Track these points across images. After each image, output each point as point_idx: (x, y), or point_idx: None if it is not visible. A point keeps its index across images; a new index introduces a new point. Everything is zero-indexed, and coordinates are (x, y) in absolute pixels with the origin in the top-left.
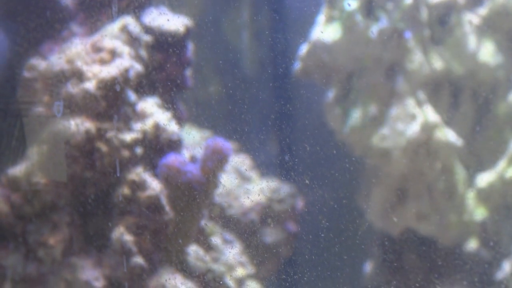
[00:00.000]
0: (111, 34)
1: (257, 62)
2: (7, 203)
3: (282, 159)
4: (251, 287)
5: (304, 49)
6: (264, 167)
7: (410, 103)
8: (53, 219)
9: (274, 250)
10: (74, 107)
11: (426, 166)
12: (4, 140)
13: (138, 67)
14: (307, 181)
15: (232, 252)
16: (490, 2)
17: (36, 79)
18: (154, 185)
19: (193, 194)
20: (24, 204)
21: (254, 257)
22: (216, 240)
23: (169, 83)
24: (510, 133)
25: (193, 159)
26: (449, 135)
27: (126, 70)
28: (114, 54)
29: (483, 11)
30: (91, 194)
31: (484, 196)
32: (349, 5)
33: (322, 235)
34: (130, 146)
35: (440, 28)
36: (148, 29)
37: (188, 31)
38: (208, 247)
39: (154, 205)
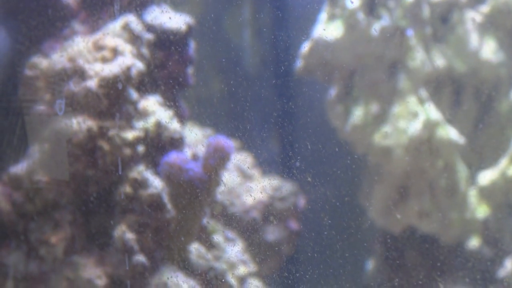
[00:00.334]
0: (113, 32)
1: (259, 60)
2: (8, 201)
3: (284, 157)
4: (253, 285)
5: (306, 47)
6: (266, 165)
7: (412, 101)
8: (55, 218)
9: (276, 248)
10: (76, 105)
11: (428, 164)
12: (5, 138)
13: (140, 65)
14: (309, 179)
15: (234, 250)
16: (492, 0)
17: (37, 77)
18: (156, 183)
19: (195, 192)
20: (25, 202)
21: (256, 255)
22: (218, 238)
23: (171, 81)
24: None
25: (195, 157)
26: (451, 133)
27: (128, 68)
28: (116, 52)
29: (485, 8)
30: (93, 192)
31: (486, 194)
32: (352, 2)
33: (324, 233)
34: (132, 144)
35: (442, 26)
36: (150, 27)
37: (190, 29)
38: (210, 245)
39: (156, 203)
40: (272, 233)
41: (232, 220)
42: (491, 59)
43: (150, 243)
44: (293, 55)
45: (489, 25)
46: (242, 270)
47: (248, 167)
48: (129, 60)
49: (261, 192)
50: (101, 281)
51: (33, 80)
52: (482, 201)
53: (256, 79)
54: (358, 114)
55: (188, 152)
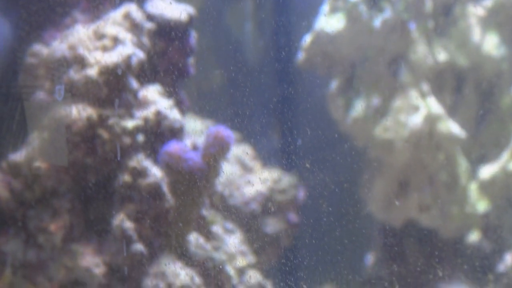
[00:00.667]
0: (113, 21)
1: (260, 51)
2: (7, 188)
3: (284, 150)
4: (251, 276)
5: (307, 39)
6: (266, 157)
7: (413, 94)
8: (53, 205)
9: (275, 240)
10: (76, 93)
11: (428, 158)
12: (5, 125)
13: (140, 54)
14: (307, 165)
15: (233, 241)
16: None
17: (38, 65)
18: (155, 172)
19: (194, 181)
20: (24, 190)
21: (255, 246)
22: (217, 229)
23: (171, 71)
24: None
25: (194, 147)
26: (452, 127)
27: (129, 57)
28: (116, 41)
29: (487, 2)
30: (92, 180)
31: (487, 188)
32: None
33: (324, 225)
34: (132, 133)
35: (444, 20)
36: (151, 17)
37: (191, 19)
38: (209, 235)
39: (155, 192)
40: (271, 225)
41: (232, 211)
42: (493, 54)
43: (149, 231)
44: (295, 47)
45: (492, 20)
46: (240, 261)
47: (248, 159)
48: (129, 49)
49: (260, 184)
50: (99, 269)
51: (33, 67)
52: (483, 195)
53: (257, 71)
54: (359, 107)
55: (187, 142)
